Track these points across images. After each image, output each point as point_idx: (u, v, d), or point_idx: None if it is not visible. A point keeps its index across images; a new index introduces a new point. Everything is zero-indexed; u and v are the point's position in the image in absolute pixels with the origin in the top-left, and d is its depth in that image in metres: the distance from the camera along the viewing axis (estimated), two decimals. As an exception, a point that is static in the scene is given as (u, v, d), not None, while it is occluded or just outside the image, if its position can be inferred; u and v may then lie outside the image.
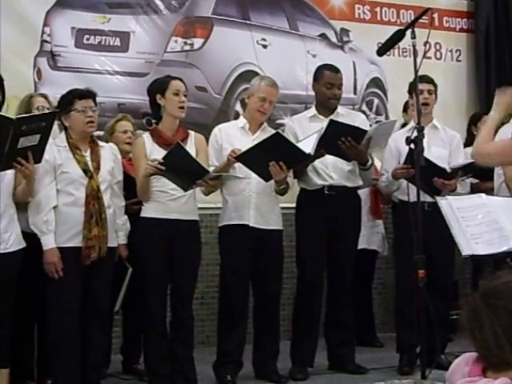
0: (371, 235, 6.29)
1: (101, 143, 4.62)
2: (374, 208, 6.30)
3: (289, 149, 4.77)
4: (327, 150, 4.99)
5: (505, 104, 4.00)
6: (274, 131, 4.99)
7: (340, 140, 4.90)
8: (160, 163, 4.50)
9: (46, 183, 4.34)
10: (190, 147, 4.74)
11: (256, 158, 4.76)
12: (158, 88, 4.74)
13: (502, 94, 3.97)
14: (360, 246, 6.06)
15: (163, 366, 4.71)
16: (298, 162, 4.95)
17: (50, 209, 4.34)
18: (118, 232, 4.59)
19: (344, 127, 4.94)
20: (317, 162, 5.10)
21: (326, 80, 5.26)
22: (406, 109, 6.25)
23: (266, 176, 4.87)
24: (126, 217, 4.67)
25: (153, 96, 4.75)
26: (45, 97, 4.88)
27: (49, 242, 4.32)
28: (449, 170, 5.13)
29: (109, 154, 4.56)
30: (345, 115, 5.35)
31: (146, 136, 4.79)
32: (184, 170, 4.54)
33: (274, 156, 4.77)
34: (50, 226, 4.32)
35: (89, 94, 4.48)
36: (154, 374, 4.75)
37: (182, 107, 4.71)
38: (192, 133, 4.86)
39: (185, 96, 4.74)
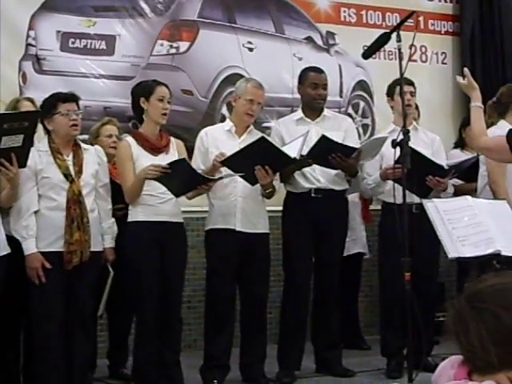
0: (362, 238, 6.32)
1: (85, 146, 4.60)
2: (364, 212, 6.33)
3: (274, 153, 4.78)
4: (315, 161, 5.01)
5: (468, 86, 4.21)
6: (260, 134, 5.00)
7: (330, 155, 4.91)
8: (165, 168, 4.48)
9: (27, 188, 4.33)
10: (173, 153, 4.76)
11: (242, 162, 4.76)
12: (142, 91, 4.73)
13: (462, 84, 4.36)
14: (356, 250, 6.10)
15: (151, 370, 4.69)
16: (284, 165, 4.96)
17: (31, 214, 4.32)
18: (103, 235, 4.57)
19: (334, 144, 4.95)
20: None
21: (311, 80, 5.29)
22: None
23: (251, 180, 4.87)
24: (112, 220, 4.65)
25: (137, 98, 4.74)
26: (31, 101, 4.87)
27: (30, 247, 4.31)
28: (446, 167, 5.15)
29: (93, 156, 4.54)
30: (331, 118, 5.37)
31: (130, 139, 4.77)
32: (184, 179, 4.56)
33: (259, 160, 4.77)
34: (31, 231, 4.31)
35: (72, 98, 4.46)
36: (142, 379, 4.73)
37: (164, 114, 4.71)
38: (172, 138, 4.87)
39: (168, 103, 4.74)
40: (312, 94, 5.28)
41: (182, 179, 4.56)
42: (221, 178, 4.75)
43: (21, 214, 4.32)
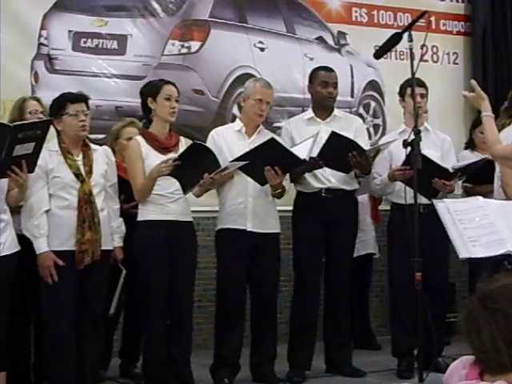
0: (372, 239, 6.32)
1: (94, 146, 4.59)
2: (374, 212, 6.33)
3: (283, 154, 4.78)
4: (326, 163, 5.01)
5: (477, 98, 4.18)
6: (270, 134, 5.00)
7: (342, 154, 4.91)
8: (175, 160, 4.50)
9: (38, 188, 4.34)
10: None
11: (251, 163, 4.76)
12: (150, 91, 4.75)
13: (469, 97, 4.29)
14: (367, 251, 6.10)
15: (161, 370, 4.70)
16: (293, 167, 4.96)
17: (42, 213, 4.33)
18: (113, 235, 4.58)
19: (344, 140, 4.95)
20: None
21: (321, 79, 5.30)
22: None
23: (261, 180, 4.87)
24: (121, 219, 4.65)
25: (144, 99, 4.76)
26: (37, 100, 4.87)
27: (41, 246, 4.32)
28: (451, 170, 5.14)
29: (102, 157, 4.55)
30: (342, 118, 5.37)
31: (139, 138, 4.78)
32: (195, 167, 4.54)
33: (269, 161, 4.78)
34: (42, 230, 4.32)
35: (81, 98, 4.47)
36: (152, 378, 4.74)
37: (172, 112, 4.72)
38: (182, 138, 4.89)
39: (176, 101, 4.74)
40: (322, 93, 5.28)
41: (196, 165, 4.54)
42: (225, 168, 4.73)
43: (32, 213, 4.33)
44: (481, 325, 1.59)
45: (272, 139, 4.84)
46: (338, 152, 4.96)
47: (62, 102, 4.42)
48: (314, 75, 5.38)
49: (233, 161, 4.78)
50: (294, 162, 4.85)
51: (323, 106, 5.31)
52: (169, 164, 4.51)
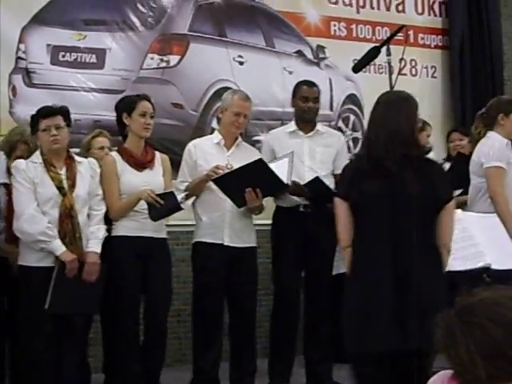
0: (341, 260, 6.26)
1: (78, 159, 4.59)
2: None
3: (268, 177, 4.79)
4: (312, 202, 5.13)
5: None
6: (248, 147, 5.05)
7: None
8: (158, 196, 4.53)
9: (32, 198, 4.33)
10: (158, 169, 4.80)
11: (233, 183, 4.76)
12: (125, 107, 4.77)
13: None
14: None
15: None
16: (275, 190, 5.02)
17: (46, 219, 4.31)
18: (88, 240, 4.47)
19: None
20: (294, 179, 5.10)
21: (301, 94, 5.34)
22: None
23: (239, 202, 4.87)
24: (98, 226, 4.53)
25: (119, 114, 4.78)
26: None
27: (60, 246, 4.29)
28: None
29: (86, 169, 4.53)
30: (325, 133, 5.42)
31: (115, 154, 4.79)
32: (169, 208, 4.58)
33: (251, 182, 4.78)
34: (55, 231, 4.29)
35: (54, 112, 4.45)
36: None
37: (147, 128, 4.73)
38: (157, 153, 4.88)
39: (151, 117, 4.76)
40: (302, 107, 5.32)
41: (167, 208, 4.60)
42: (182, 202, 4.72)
43: (37, 220, 4.29)
44: (457, 338, 1.59)
45: (260, 160, 4.86)
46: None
47: (36, 118, 4.44)
48: (296, 90, 5.42)
49: (218, 178, 4.78)
50: (277, 185, 4.87)
51: (303, 119, 5.35)
52: (152, 197, 4.51)
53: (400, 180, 3.45)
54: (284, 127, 5.57)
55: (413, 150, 3.51)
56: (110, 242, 4.66)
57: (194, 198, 5.00)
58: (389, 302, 3.45)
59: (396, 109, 3.59)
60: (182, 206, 4.63)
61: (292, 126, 5.40)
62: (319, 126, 5.40)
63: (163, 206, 4.55)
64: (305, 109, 5.31)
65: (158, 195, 4.55)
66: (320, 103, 5.45)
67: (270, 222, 5.37)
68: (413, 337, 3.36)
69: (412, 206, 3.41)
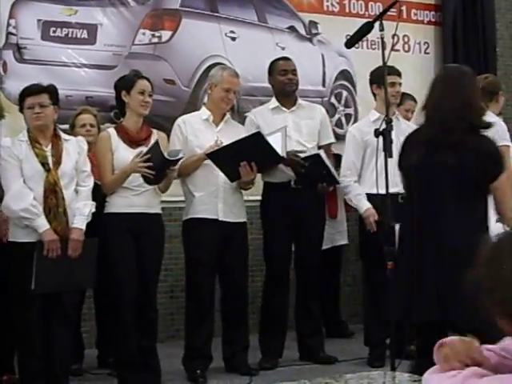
0: (335, 234, 6.22)
1: (66, 136, 4.59)
2: (330, 209, 6.16)
3: (265, 150, 4.79)
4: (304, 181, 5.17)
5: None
6: (236, 124, 5.15)
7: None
8: (145, 154, 4.52)
9: (18, 175, 4.34)
10: None
11: (228, 157, 4.76)
12: (124, 85, 4.78)
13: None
14: (343, 242, 6.06)
15: (133, 360, 4.68)
16: (270, 164, 5.02)
17: (32, 194, 4.31)
18: (74, 216, 4.44)
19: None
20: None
21: (279, 68, 5.38)
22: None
23: (233, 176, 4.87)
24: (85, 202, 4.49)
25: (118, 92, 4.80)
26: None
27: (44, 223, 4.30)
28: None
29: (73, 146, 4.53)
30: (306, 107, 5.45)
31: (111, 131, 4.80)
32: (158, 165, 4.54)
33: (246, 156, 4.78)
34: (40, 209, 4.29)
35: (39, 90, 4.45)
36: (125, 368, 4.71)
37: (145, 105, 4.75)
38: (155, 131, 4.88)
39: (150, 96, 4.78)
40: (282, 80, 5.34)
41: (157, 165, 4.55)
42: (181, 158, 4.72)
43: (22, 196, 4.29)
44: (504, 257, 1.58)
45: (258, 133, 4.86)
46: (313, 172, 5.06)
47: (22, 97, 4.47)
48: (272, 67, 5.45)
49: (213, 153, 4.78)
50: (273, 159, 4.87)
51: (286, 93, 5.35)
52: (142, 164, 4.51)
53: (460, 153, 3.71)
54: (266, 105, 5.54)
55: (482, 121, 3.80)
56: (101, 219, 4.67)
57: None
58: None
59: (467, 81, 3.93)
60: (168, 158, 4.56)
61: (274, 102, 5.40)
62: (300, 101, 5.42)
63: (153, 162, 4.52)
64: (285, 81, 5.33)
65: (146, 153, 4.55)
66: (304, 78, 5.45)
67: (260, 198, 5.37)
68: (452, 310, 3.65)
69: (460, 178, 3.72)
